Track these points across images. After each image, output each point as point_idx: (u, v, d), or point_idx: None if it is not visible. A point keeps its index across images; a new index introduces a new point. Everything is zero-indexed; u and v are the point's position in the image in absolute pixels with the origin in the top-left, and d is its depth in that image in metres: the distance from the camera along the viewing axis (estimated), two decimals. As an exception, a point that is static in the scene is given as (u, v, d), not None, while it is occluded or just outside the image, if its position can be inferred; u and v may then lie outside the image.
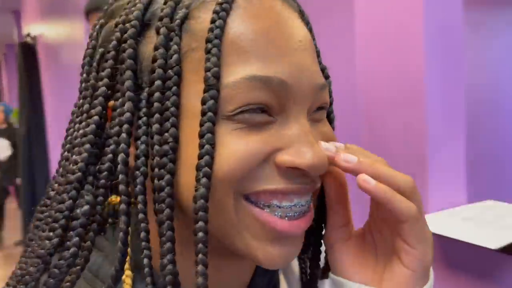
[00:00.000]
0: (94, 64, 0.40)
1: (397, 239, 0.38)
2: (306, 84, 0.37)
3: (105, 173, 0.36)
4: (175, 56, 0.36)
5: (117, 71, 0.38)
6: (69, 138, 0.40)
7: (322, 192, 0.42)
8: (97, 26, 0.42)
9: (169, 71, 0.36)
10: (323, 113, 0.41)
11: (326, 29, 1.81)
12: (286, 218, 0.37)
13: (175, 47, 0.36)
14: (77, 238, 0.36)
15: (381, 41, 1.34)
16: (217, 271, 0.42)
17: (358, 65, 1.44)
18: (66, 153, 0.39)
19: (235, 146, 0.35)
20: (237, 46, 0.36)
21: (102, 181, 0.37)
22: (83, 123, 0.38)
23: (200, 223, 0.34)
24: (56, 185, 0.39)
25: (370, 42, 1.39)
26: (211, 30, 0.36)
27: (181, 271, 0.35)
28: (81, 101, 0.40)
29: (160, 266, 0.35)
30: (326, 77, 0.43)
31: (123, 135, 0.36)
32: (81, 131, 0.38)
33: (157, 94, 0.36)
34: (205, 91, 0.35)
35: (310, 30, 0.42)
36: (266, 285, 0.48)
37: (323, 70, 0.42)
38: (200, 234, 0.34)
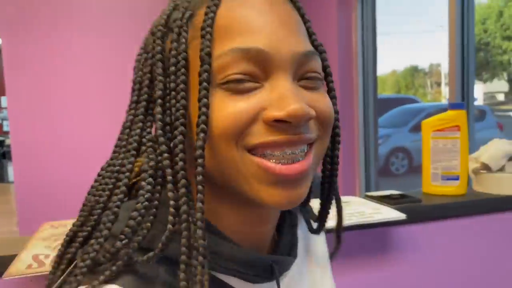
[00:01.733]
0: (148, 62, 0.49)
1: None
2: (284, 51, 0.44)
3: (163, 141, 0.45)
4: (182, 46, 0.45)
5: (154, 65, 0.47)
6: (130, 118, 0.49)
7: (333, 147, 0.54)
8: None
9: (179, 56, 0.44)
10: (317, 82, 0.47)
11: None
12: (280, 163, 0.43)
13: (182, 39, 0.45)
14: (148, 194, 0.43)
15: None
16: (242, 223, 0.50)
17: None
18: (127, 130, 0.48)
19: (226, 109, 0.43)
20: (225, 30, 0.44)
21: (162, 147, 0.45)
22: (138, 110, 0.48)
23: (199, 168, 0.42)
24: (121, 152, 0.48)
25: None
26: (204, 20, 0.44)
27: (220, 219, 0.49)
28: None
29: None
30: (321, 51, 0.51)
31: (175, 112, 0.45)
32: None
33: (172, 77, 0.45)
34: (200, 66, 0.43)
35: (302, 14, 0.50)
36: (289, 242, 0.57)
37: (317, 46, 0.50)
38: (199, 177, 0.42)
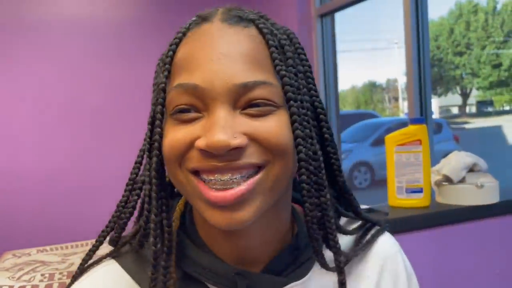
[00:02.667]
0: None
1: None
2: (218, 84, 0.46)
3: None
4: (159, 80, 0.51)
5: None
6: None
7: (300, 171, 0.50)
8: None
9: (157, 89, 0.50)
10: (266, 109, 0.48)
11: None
12: (213, 189, 0.47)
13: (160, 74, 0.51)
14: (125, 200, 0.58)
15: None
16: (216, 234, 0.54)
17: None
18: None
19: (169, 136, 0.48)
20: (177, 65, 0.49)
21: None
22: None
23: (153, 187, 0.50)
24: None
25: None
26: (165, 57, 0.51)
27: (200, 228, 0.56)
28: None
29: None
30: (282, 76, 0.49)
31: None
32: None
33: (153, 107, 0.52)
34: (156, 99, 0.50)
35: (267, 40, 0.50)
36: (291, 262, 0.56)
37: (279, 71, 0.49)
38: (153, 194, 0.51)
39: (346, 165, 7.78)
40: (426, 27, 2.18)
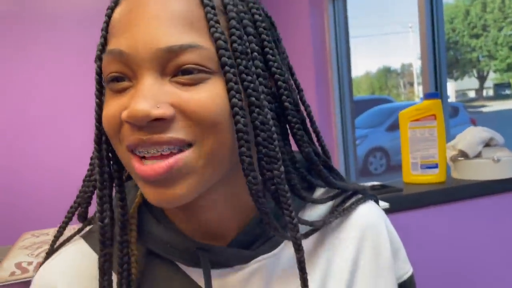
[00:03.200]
0: None
1: None
2: (142, 50, 0.42)
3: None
4: (99, 48, 0.47)
5: None
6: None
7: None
8: None
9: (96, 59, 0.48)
10: (197, 76, 0.43)
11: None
12: (145, 162, 0.43)
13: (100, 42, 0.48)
14: (87, 178, 0.56)
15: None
16: (174, 208, 0.51)
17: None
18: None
19: (105, 110, 0.46)
20: (110, 31, 0.46)
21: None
22: None
23: (97, 160, 0.49)
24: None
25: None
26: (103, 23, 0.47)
27: None
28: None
29: None
30: (216, 39, 0.44)
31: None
32: None
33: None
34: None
35: (206, 5, 0.44)
36: (260, 234, 0.53)
37: (213, 33, 0.44)
38: (97, 168, 0.49)
39: (361, 151, 7.73)
40: (440, 10, 2.14)
